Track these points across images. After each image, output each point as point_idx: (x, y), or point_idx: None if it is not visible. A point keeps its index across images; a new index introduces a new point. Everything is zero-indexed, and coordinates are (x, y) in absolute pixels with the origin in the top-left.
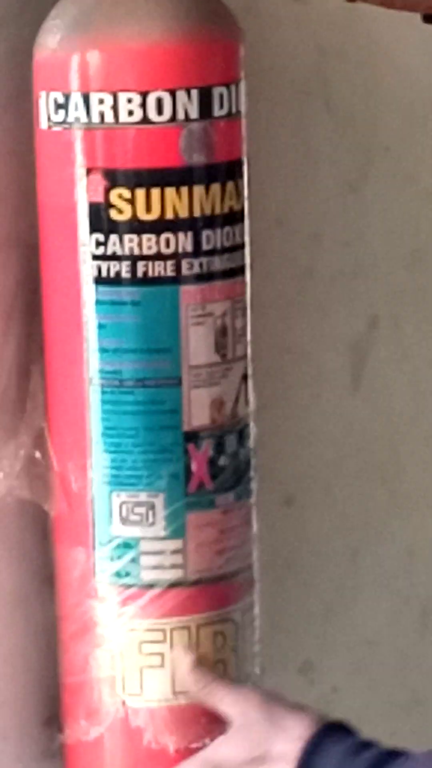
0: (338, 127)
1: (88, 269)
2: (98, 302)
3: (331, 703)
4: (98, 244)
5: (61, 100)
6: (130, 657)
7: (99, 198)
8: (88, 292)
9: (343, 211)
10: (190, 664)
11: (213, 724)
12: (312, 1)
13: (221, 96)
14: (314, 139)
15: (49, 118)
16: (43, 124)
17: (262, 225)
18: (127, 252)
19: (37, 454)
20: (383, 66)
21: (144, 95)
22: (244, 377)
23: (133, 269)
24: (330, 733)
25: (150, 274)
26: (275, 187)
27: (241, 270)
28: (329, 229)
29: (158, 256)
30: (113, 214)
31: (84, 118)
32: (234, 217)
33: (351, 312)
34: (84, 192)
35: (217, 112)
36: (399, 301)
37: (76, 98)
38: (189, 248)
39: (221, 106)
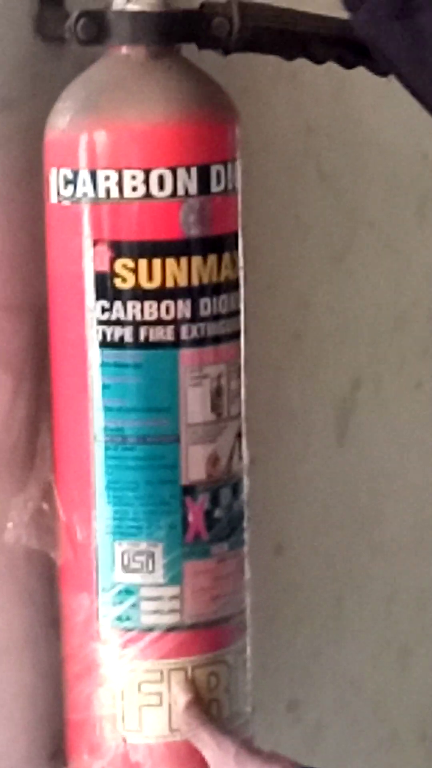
0: (326, 201)
1: (93, 333)
2: (103, 364)
3: (316, 738)
4: (103, 310)
5: (70, 176)
6: (130, 696)
7: (105, 267)
8: (94, 354)
9: (329, 279)
10: (182, 705)
11: None
12: (302, 82)
13: (218, 173)
14: (304, 212)
15: (58, 193)
16: (53, 198)
17: (255, 291)
18: (130, 318)
19: (45, 506)
20: (368, 144)
21: (147, 172)
22: (238, 435)
23: (136, 334)
24: None
25: (151, 338)
26: (267, 257)
27: (236, 335)
28: (317, 296)
29: (159, 322)
30: (118, 283)
31: (91, 194)
32: (230, 286)
33: (336, 373)
34: (90, 262)
35: (214, 188)
36: (380, 364)
37: (84, 175)
38: (188, 315)
39: (218, 182)
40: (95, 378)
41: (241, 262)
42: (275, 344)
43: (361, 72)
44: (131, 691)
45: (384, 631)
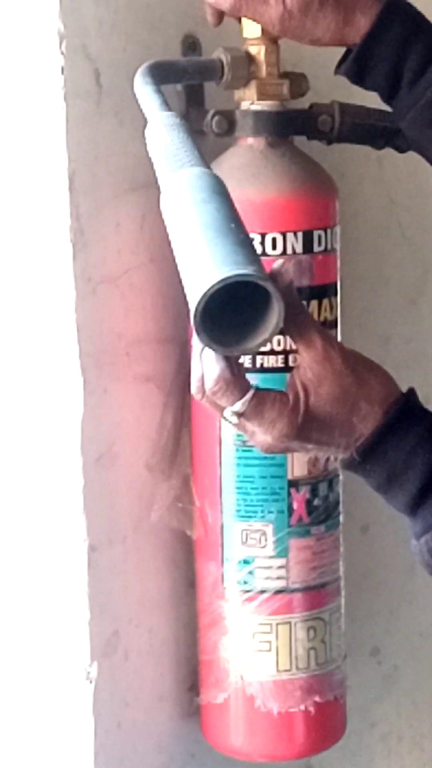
0: (404, 257)
1: None
2: None
3: (394, 678)
4: None
5: None
6: (247, 643)
7: None
8: None
9: (405, 318)
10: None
11: (307, 694)
12: (386, 165)
13: (320, 237)
14: (385, 266)
15: None
16: None
17: (349, 328)
18: None
19: (184, 494)
20: None
21: (263, 236)
22: None
23: (254, 361)
24: (409, 406)
25: (266, 365)
26: (358, 301)
27: None
28: (396, 331)
29: (272, 352)
30: None
31: None
32: (328, 324)
33: None
34: None
35: (316, 248)
36: None
37: None
38: (294, 347)
39: (320, 244)
40: None
41: (338, 305)
42: None
43: None
44: (247, 639)
45: None
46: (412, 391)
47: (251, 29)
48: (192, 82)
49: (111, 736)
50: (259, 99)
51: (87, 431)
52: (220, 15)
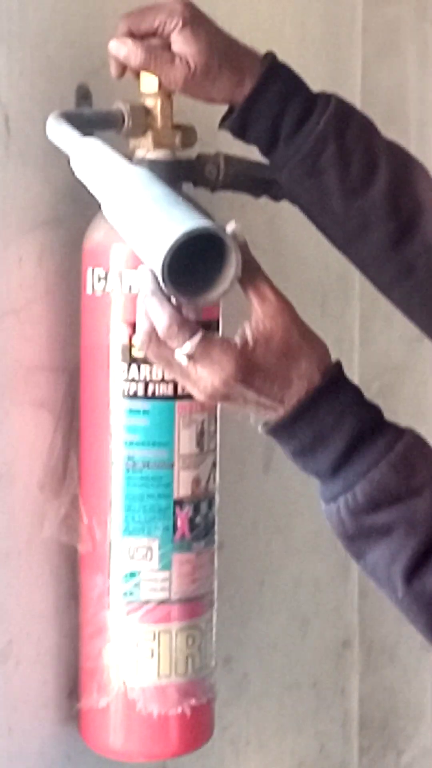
0: None
1: (116, 388)
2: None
3: (243, 684)
4: (123, 371)
5: (102, 275)
6: (130, 650)
7: (125, 341)
8: (116, 402)
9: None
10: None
11: (184, 698)
12: (245, 212)
13: None
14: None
15: (93, 287)
16: (89, 290)
17: None
18: (142, 378)
19: (73, 511)
20: (290, 256)
21: None
22: (214, 464)
23: (146, 389)
24: (341, 372)
25: (156, 393)
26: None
27: None
28: None
29: (162, 381)
30: (134, 352)
31: (118, 288)
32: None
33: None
34: (116, 336)
35: None
36: None
37: (113, 274)
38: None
39: None
40: (115, 420)
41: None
42: None
43: (287, 206)
44: (131, 647)
45: (291, 606)
46: (339, 362)
47: (149, 84)
48: (96, 131)
49: (3, 740)
50: (154, 148)
51: None
52: (123, 69)
